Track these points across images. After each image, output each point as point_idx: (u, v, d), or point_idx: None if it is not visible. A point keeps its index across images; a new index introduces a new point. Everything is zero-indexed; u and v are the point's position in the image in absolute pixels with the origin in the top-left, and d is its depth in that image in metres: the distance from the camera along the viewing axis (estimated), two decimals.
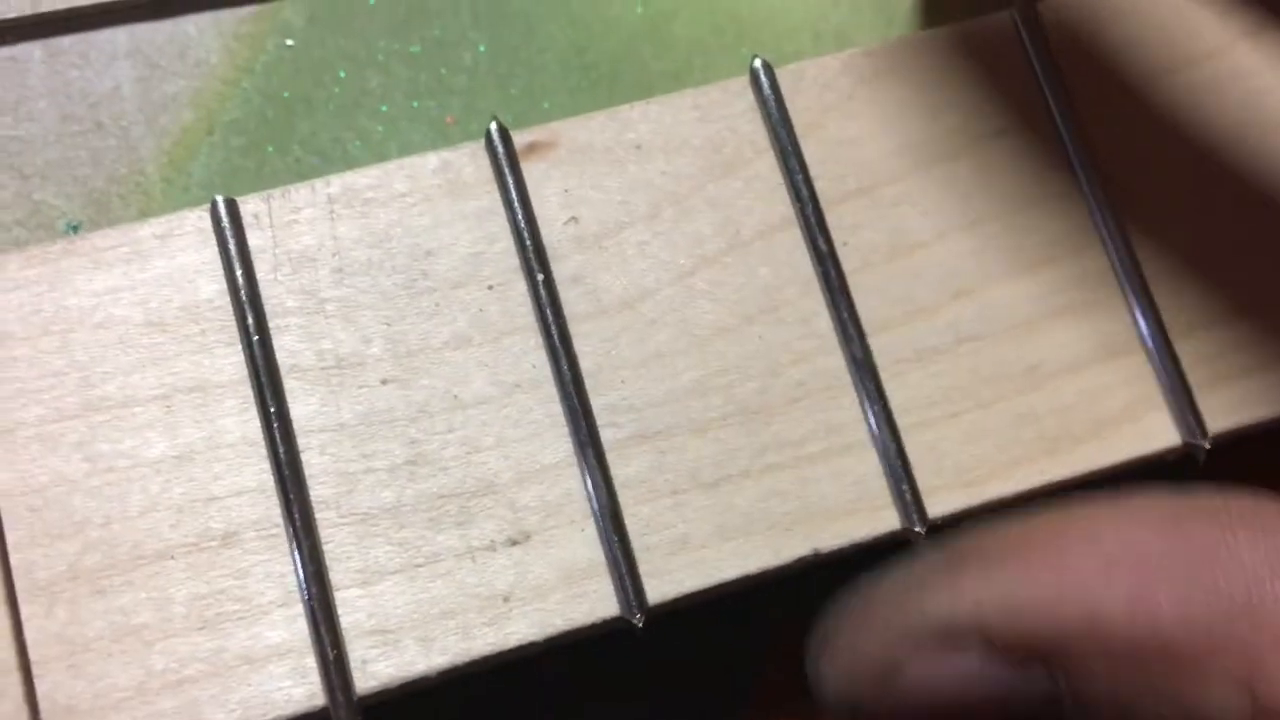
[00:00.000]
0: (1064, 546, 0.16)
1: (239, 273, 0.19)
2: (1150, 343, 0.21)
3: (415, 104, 0.26)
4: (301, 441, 0.19)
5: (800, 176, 0.21)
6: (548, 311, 0.20)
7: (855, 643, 0.17)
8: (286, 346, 0.19)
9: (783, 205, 0.21)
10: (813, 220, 0.21)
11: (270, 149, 0.25)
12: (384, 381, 0.19)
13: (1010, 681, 0.17)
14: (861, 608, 0.18)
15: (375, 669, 0.18)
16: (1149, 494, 0.17)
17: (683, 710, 0.23)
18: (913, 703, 0.17)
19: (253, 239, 0.20)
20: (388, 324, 0.20)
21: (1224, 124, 0.22)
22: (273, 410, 0.19)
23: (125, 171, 0.25)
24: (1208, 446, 0.20)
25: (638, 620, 0.19)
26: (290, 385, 0.19)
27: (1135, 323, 0.21)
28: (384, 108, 0.26)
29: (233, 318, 0.19)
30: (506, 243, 0.20)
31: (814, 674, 0.18)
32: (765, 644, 0.23)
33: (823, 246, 0.21)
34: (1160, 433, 0.20)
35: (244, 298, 0.19)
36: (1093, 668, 0.16)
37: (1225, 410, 0.21)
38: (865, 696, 0.17)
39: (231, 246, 0.19)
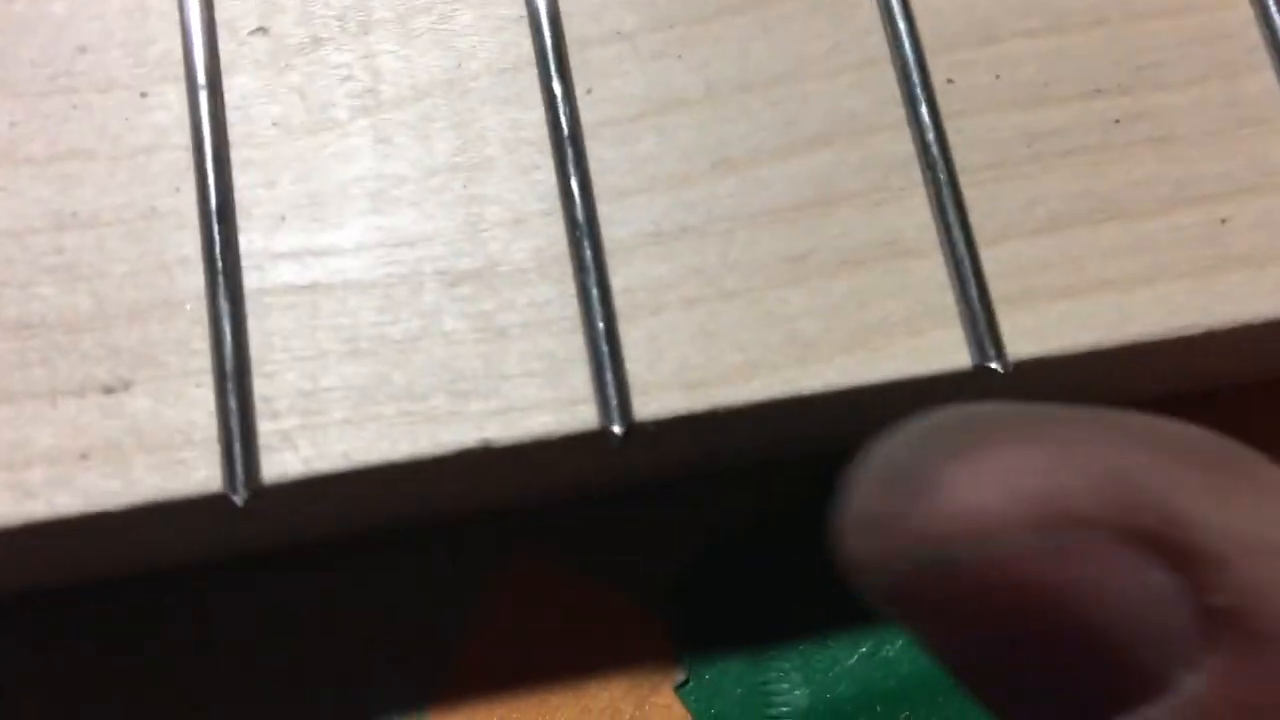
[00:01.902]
0: None
1: None
2: (950, 245, 0.17)
3: None
4: None
5: (546, 9, 0.17)
6: (205, 126, 0.16)
7: (951, 485, 0.12)
8: None
9: (521, 42, 0.17)
10: (552, 60, 0.17)
11: None
12: None
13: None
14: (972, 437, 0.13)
15: None
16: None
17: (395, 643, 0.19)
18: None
19: None
20: (11, 124, 0.16)
21: None
22: None
23: None
24: (1002, 371, 0.16)
25: (240, 498, 0.15)
26: None
27: (935, 219, 0.17)
28: None
29: None
30: (173, 44, 0.17)
31: (855, 529, 0.13)
32: (484, 577, 0.20)
33: (558, 91, 0.17)
34: (947, 351, 0.16)
35: None
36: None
37: (1031, 334, 0.17)
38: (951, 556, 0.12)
39: None
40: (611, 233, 0.17)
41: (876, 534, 0.12)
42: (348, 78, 0.17)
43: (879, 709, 0.20)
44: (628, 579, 0.20)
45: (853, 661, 0.20)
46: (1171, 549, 0.12)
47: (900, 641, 0.20)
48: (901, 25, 0.18)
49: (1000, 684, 0.13)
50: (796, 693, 0.20)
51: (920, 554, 0.12)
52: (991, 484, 0.12)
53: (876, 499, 0.12)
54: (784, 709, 0.20)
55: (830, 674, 0.20)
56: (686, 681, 0.20)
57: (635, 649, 0.20)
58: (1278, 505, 0.12)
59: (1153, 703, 0.12)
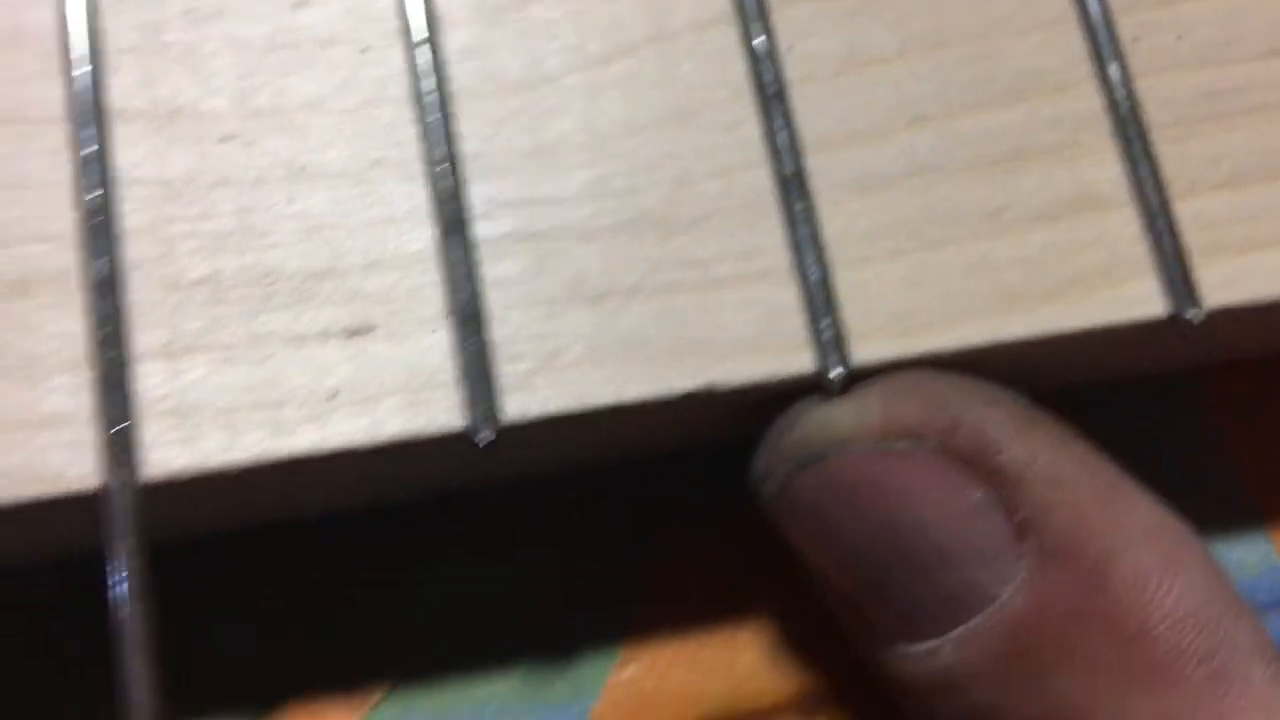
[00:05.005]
0: None
1: None
2: (1143, 197, 0.17)
3: None
4: (119, 193, 0.16)
5: None
6: (427, 82, 0.17)
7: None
8: (119, 86, 0.17)
9: None
10: (754, 16, 0.18)
11: None
12: (224, 139, 0.17)
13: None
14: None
15: (165, 455, 0.15)
16: None
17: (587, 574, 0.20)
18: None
19: None
20: (239, 76, 0.17)
21: None
22: (91, 151, 0.16)
23: None
24: (1198, 321, 0.17)
25: (484, 438, 0.16)
26: (117, 131, 0.16)
27: (1128, 173, 0.18)
28: None
29: (59, 48, 0.17)
30: (391, 1, 0.17)
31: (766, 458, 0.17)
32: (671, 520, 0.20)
33: (762, 48, 0.18)
34: (1144, 299, 0.17)
35: (71, 26, 0.17)
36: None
37: (1225, 283, 0.17)
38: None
39: None
40: (818, 184, 0.17)
41: (772, 446, 0.17)
42: (555, 35, 0.18)
43: None
44: None
45: None
46: (982, 467, 0.16)
47: None
48: None
49: (864, 588, 0.17)
50: None
51: (800, 454, 0.16)
52: (849, 407, 0.16)
53: (775, 428, 0.17)
54: None
55: None
56: None
57: None
58: (1064, 446, 0.16)
59: (980, 614, 0.16)
